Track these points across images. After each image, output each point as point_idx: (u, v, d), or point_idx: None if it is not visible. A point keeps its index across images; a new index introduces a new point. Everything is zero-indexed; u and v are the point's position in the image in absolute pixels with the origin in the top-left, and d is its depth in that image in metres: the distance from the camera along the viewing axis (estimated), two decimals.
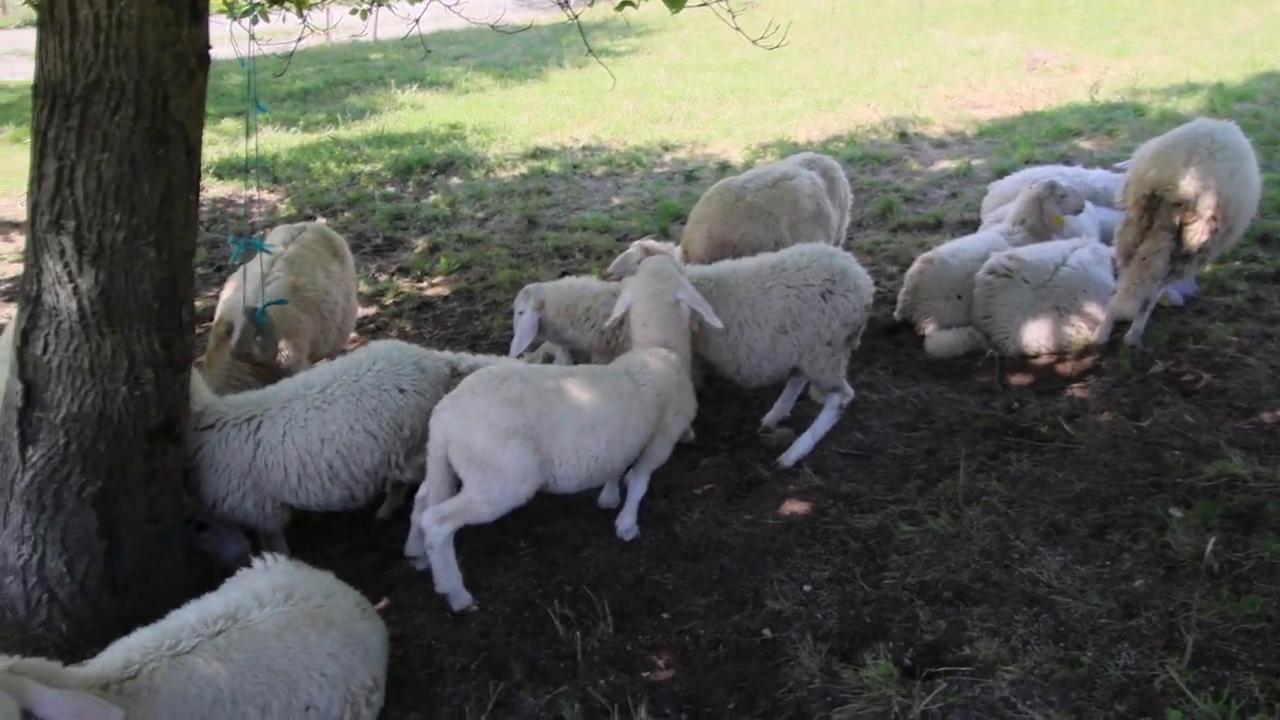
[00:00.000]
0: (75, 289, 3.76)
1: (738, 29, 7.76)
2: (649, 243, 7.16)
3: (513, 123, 15.26)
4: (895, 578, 4.39)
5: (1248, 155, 6.14)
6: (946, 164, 11.63)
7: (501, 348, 7.10)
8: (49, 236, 3.73)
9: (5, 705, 2.72)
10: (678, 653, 4.11)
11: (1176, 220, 5.96)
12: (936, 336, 6.69)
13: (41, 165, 3.74)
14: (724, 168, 12.15)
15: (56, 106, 3.68)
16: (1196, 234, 5.94)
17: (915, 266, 7.01)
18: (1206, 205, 5.86)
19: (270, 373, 5.51)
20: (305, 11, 8.33)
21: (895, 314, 7.13)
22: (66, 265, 3.74)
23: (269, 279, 5.72)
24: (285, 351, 5.67)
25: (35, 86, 3.75)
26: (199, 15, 3.87)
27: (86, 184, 3.69)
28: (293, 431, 4.61)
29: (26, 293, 3.88)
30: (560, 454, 4.39)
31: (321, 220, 11.01)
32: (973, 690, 3.60)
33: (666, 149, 13.53)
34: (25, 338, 3.88)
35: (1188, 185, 5.87)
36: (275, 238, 6.29)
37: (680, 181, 11.90)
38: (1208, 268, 6.79)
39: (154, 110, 3.75)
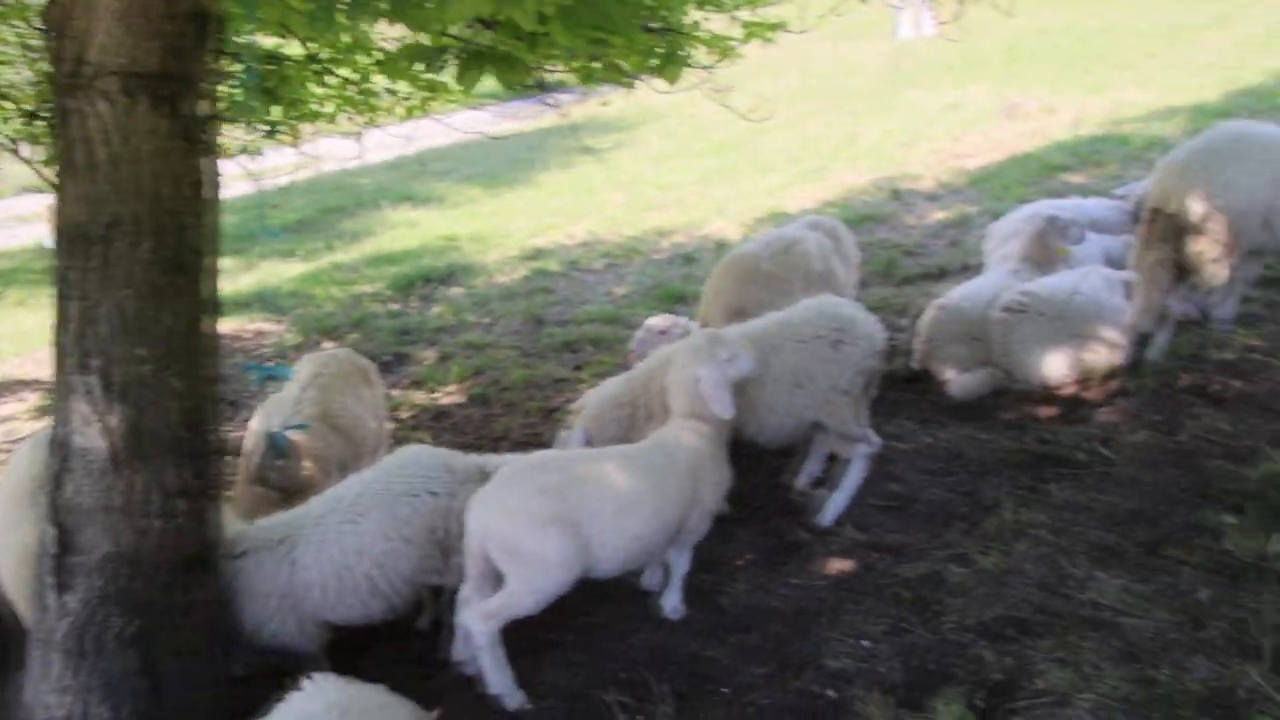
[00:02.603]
0: (104, 427, 3.77)
1: (726, 106, 7.93)
2: (655, 320, 7.24)
3: (507, 228, 15.44)
4: (954, 621, 4.31)
5: (1260, 156, 6.00)
6: (941, 215, 11.71)
7: (522, 447, 7.08)
8: (75, 378, 3.76)
9: None
10: None
11: (1174, 232, 5.96)
12: (959, 380, 6.66)
13: (65, 309, 3.80)
14: (721, 246, 12.24)
15: (77, 248, 3.75)
16: (1196, 245, 5.93)
17: (929, 314, 7.00)
18: (1197, 215, 5.85)
19: (299, 498, 5.50)
20: (299, 143, 8.53)
21: (913, 363, 7.11)
22: (94, 404, 3.75)
23: (300, 406, 5.78)
24: (312, 473, 5.67)
25: (57, 232, 3.83)
26: (210, 145, 3.97)
27: (110, 321, 3.73)
28: (327, 547, 4.57)
29: (55, 437, 3.89)
30: (600, 537, 4.35)
31: (328, 344, 11.10)
32: None
33: (662, 235, 13.64)
34: (57, 482, 3.88)
35: (1174, 198, 5.89)
36: (305, 367, 6.35)
37: (680, 264, 11.99)
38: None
39: (173, 241, 3.83)
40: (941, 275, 9.41)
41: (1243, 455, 5.03)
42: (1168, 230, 5.99)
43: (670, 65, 4.94)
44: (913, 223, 11.70)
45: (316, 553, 4.57)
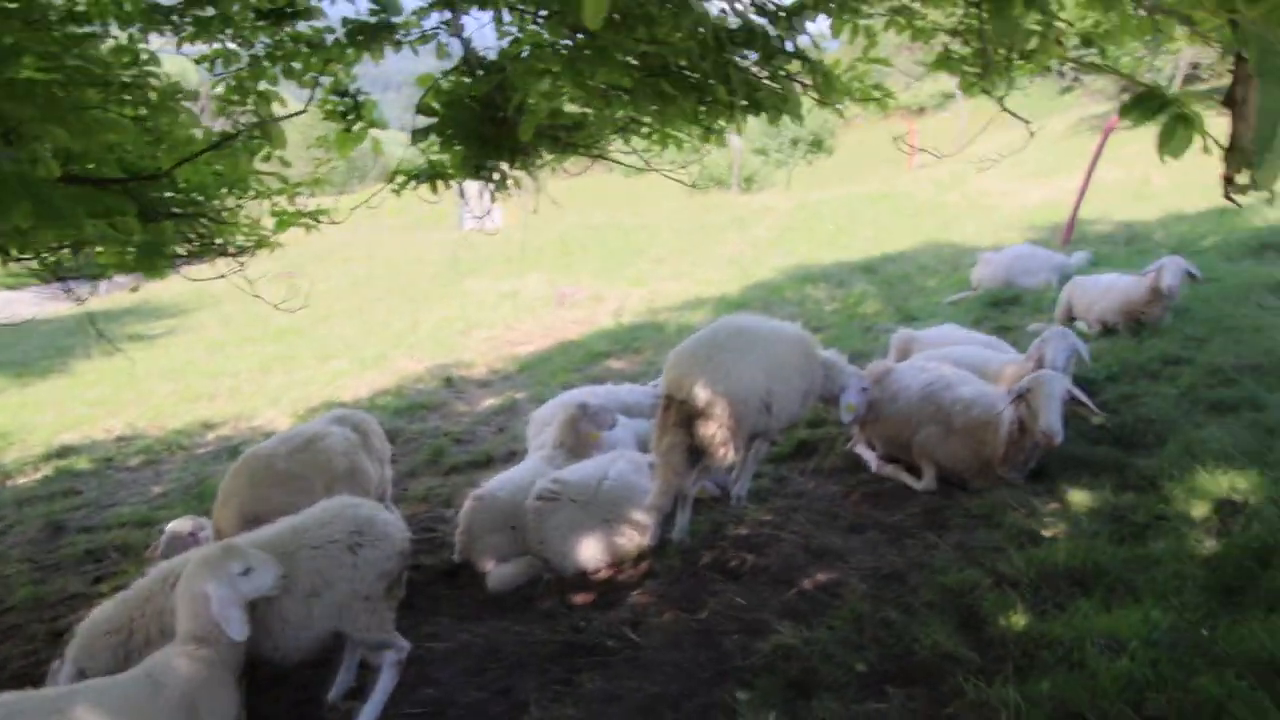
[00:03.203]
0: None
1: (257, 295, 7.62)
2: (179, 522, 6.69)
3: (34, 423, 14.01)
4: None
5: (757, 347, 6.55)
6: (491, 401, 11.91)
7: (23, 681, 6.15)
8: None
9: None
10: None
11: (686, 417, 6.34)
12: (496, 571, 6.59)
13: None
14: (270, 438, 11.72)
15: None
16: (705, 429, 6.33)
17: (466, 505, 6.94)
18: (701, 401, 6.27)
19: None
20: None
21: (455, 556, 6.97)
22: None
23: None
24: None
25: None
26: None
27: None
28: None
29: None
30: None
31: None
32: None
33: (209, 427, 12.89)
34: None
35: (683, 386, 6.30)
36: None
37: (225, 459, 11.27)
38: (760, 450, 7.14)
39: None
40: (488, 462, 9.45)
41: (756, 628, 5.26)
42: (680, 415, 6.35)
43: (152, 259, 4.61)
44: (464, 410, 11.79)
45: None
